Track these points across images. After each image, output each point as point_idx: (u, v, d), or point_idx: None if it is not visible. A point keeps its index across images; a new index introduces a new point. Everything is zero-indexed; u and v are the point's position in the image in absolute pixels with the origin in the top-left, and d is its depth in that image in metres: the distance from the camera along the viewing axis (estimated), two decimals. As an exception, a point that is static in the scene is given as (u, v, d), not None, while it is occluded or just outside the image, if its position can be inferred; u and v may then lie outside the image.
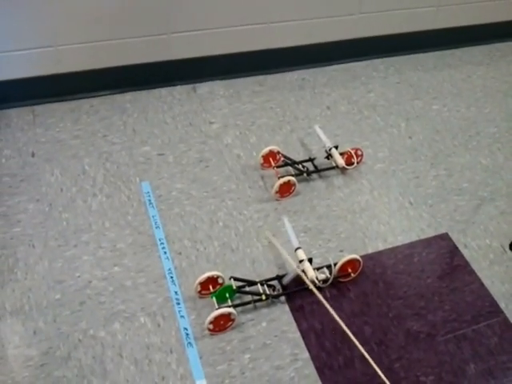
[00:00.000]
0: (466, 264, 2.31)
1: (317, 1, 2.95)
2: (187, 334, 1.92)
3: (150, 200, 2.35)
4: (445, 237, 2.41)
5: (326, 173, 2.58)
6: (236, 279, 2.05)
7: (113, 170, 2.46)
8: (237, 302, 2.01)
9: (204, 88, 2.95)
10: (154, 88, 2.90)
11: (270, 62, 3.09)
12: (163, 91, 2.90)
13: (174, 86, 2.93)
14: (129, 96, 2.84)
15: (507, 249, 2.38)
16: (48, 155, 2.48)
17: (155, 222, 2.27)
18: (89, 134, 2.61)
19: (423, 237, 2.39)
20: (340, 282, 2.17)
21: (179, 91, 2.91)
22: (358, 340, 1.94)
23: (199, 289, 2.01)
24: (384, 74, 3.21)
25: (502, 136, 2.92)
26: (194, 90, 2.93)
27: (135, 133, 2.65)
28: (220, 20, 2.82)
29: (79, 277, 2.05)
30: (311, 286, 1.88)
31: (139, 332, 1.92)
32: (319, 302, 2.09)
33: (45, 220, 2.22)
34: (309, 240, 2.30)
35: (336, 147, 2.56)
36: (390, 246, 2.33)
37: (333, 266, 2.09)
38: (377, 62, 3.29)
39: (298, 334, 1.99)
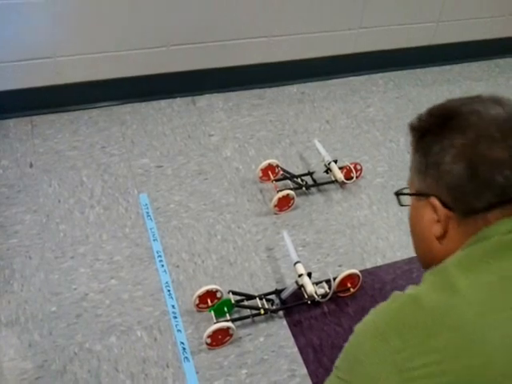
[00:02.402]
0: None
1: (317, 15, 2.96)
2: (184, 349, 1.90)
3: (147, 212, 2.33)
4: (444, 252, 2.39)
5: (325, 187, 2.57)
6: (234, 293, 2.03)
7: (111, 182, 2.44)
8: (235, 316, 1.99)
9: (203, 101, 2.95)
10: (154, 100, 2.90)
11: (270, 75, 3.10)
12: (162, 103, 2.89)
13: (173, 98, 2.93)
14: (128, 108, 2.84)
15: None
16: (46, 166, 2.47)
17: (153, 235, 2.25)
18: (87, 146, 2.60)
19: (422, 252, 2.37)
20: (339, 297, 2.15)
21: (178, 103, 2.91)
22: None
23: (197, 302, 1.99)
24: (383, 88, 3.22)
25: (500, 152, 2.92)
26: (194, 102, 2.93)
27: (134, 144, 2.64)
28: (219, 33, 2.83)
29: (76, 289, 2.03)
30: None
31: (135, 346, 1.89)
32: (317, 317, 2.08)
33: (42, 231, 2.20)
34: (307, 254, 2.28)
35: (335, 161, 2.55)
36: (389, 262, 2.32)
37: (332, 280, 2.08)
38: (376, 76, 3.30)
39: (295, 350, 1.97)
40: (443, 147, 0.93)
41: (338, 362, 0.96)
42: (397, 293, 0.93)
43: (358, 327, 0.94)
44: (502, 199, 0.89)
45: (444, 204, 0.94)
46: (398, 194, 1.14)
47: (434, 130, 0.97)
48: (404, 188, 1.11)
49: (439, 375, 0.78)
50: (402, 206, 1.14)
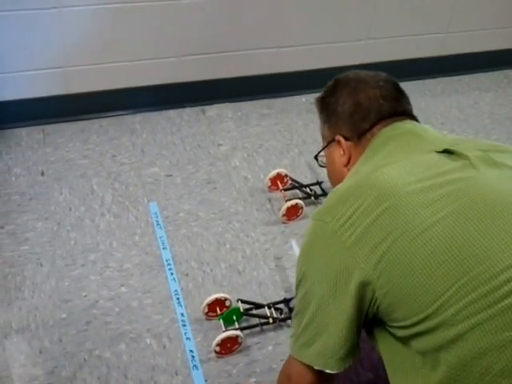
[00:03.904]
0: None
1: (326, 26, 2.99)
2: (193, 357, 1.91)
3: (157, 221, 2.35)
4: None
5: (334, 196, 2.58)
6: (243, 301, 2.04)
7: (121, 190, 2.47)
8: (243, 324, 2.00)
9: (213, 110, 2.98)
10: (163, 110, 2.93)
11: (279, 85, 3.12)
12: (172, 113, 2.92)
13: (183, 107, 2.96)
14: (138, 117, 2.87)
15: None
16: (57, 174, 2.50)
17: (162, 243, 2.27)
18: (98, 154, 2.63)
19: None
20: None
21: (188, 113, 2.94)
22: (365, 366, 1.93)
23: (206, 310, 2.00)
24: (391, 99, 3.22)
25: (509, 162, 2.92)
26: (203, 112, 2.96)
27: (144, 153, 2.67)
28: (229, 44, 2.86)
29: (86, 296, 2.04)
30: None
31: (145, 353, 1.90)
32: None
33: (53, 239, 2.22)
34: (316, 263, 2.29)
35: (344, 171, 2.56)
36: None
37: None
38: (384, 87, 3.31)
39: (304, 359, 1.97)
40: (336, 98, 1.33)
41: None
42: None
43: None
44: (380, 117, 1.26)
45: (345, 138, 1.29)
46: (316, 157, 1.49)
47: (328, 92, 1.39)
48: (319, 152, 1.46)
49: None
50: (322, 166, 1.49)
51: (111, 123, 2.80)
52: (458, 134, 3.05)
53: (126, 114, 2.86)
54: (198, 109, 2.97)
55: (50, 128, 2.73)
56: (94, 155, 2.62)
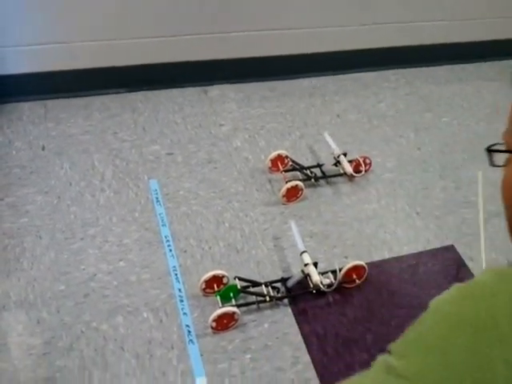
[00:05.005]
0: (472, 277, 2.30)
1: (331, 9, 2.98)
2: (189, 331, 1.92)
3: (157, 198, 2.36)
4: (451, 249, 2.40)
5: (334, 179, 2.59)
6: (241, 279, 2.05)
7: (122, 167, 2.47)
8: (240, 301, 2.01)
9: (215, 91, 2.97)
10: (166, 88, 2.92)
11: (282, 68, 3.11)
12: (174, 92, 2.92)
13: (185, 87, 2.95)
14: (140, 95, 2.86)
15: (512, 263, 2.38)
16: (58, 149, 2.50)
17: (162, 220, 2.27)
18: (99, 131, 2.63)
19: (429, 248, 2.38)
20: (344, 288, 2.16)
21: (190, 93, 2.93)
22: (360, 346, 1.95)
23: (204, 287, 2.01)
24: (395, 85, 3.22)
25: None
26: (205, 92, 2.95)
27: (145, 131, 2.66)
28: (233, 24, 2.85)
29: (84, 269, 2.05)
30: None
31: (141, 327, 1.91)
32: (322, 306, 2.10)
33: (53, 212, 2.23)
34: (314, 245, 2.30)
35: (345, 154, 2.57)
36: (396, 255, 2.33)
37: (338, 271, 2.09)
38: (388, 73, 3.30)
39: (299, 338, 1.98)
40: None
41: None
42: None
43: None
44: None
45: None
46: (490, 150, 0.88)
47: None
48: (496, 144, 0.89)
49: None
50: (494, 166, 0.89)
51: (113, 100, 2.80)
52: (460, 122, 3.05)
53: (129, 92, 2.86)
54: (200, 89, 2.96)
55: (52, 103, 2.73)
56: (96, 131, 2.62)
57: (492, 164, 0.89)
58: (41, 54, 2.63)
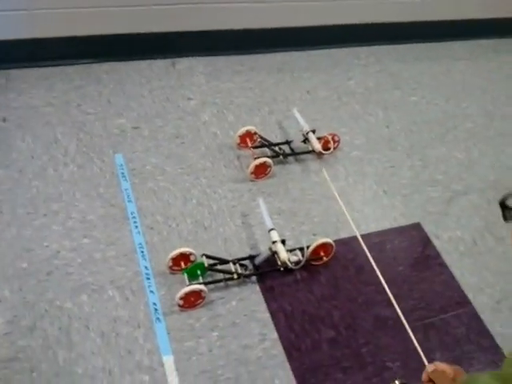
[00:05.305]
0: (437, 255, 2.34)
1: (303, -17, 2.92)
2: (156, 310, 1.90)
3: (123, 173, 2.30)
4: (417, 227, 2.42)
5: (303, 156, 2.57)
6: (208, 257, 2.02)
7: (86, 141, 2.40)
8: (208, 279, 1.99)
9: (183, 63, 2.90)
10: (133, 60, 2.84)
11: (252, 42, 3.05)
12: (142, 64, 2.84)
13: (153, 59, 2.87)
14: (106, 66, 2.77)
15: (478, 241, 2.41)
16: (20, 121, 2.41)
17: (127, 196, 2.22)
18: (63, 103, 2.54)
19: (396, 225, 2.40)
20: (312, 265, 2.16)
21: (158, 65, 2.86)
22: (327, 323, 1.95)
23: (171, 264, 1.98)
24: (365, 62, 3.21)
25: (478, 132, 2.95)
26: (173, 65, 2.88)
27: (110, 104, 2.59)
28: (204, -5, 2.78)
29: (47, 246, 2.00)
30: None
31: (107, 305, 1.88)
32: (290, 284, 2.10)
33: (14, 187, 2.15)
34: (282, 222, 2.29)
35: (313, 131, 2.55)
36: (363, 233, 2.33)
37: (305, 248, 2.09)
38: (358, 50, 3.28)
39: (267, 315, 1.98)
40: None
41: None
42: None
43: None
44: None
45: None
46: (503, 205, 0.80)
47: None
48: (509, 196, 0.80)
49: None
50: (508, 221, 0.82)
51: (77, 71, 2.71)
52: (428, 100, 3.06)
53: (94, 63, 2.76)
54: (168, 61, 2.89)
55: (13, 73, 2.62)
56: (59, 103, 2.53)
57: (505, 219, 0.83)
58: (2, 22, 2.51)
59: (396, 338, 2.01)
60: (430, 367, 1.06)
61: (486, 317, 2.15)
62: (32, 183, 2.18)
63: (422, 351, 1.99)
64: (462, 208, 2.54)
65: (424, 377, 1.05)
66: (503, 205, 0.80)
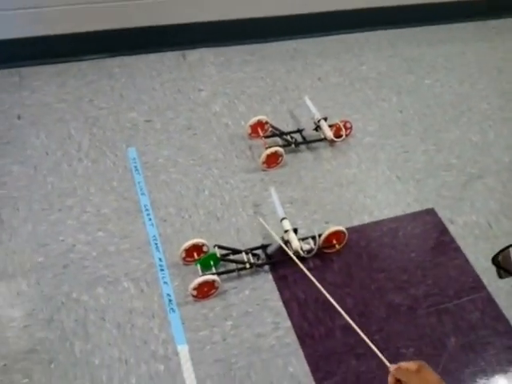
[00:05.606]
0: (452, 239, 2.32)
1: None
2: (170, 300, 1.93)
3: (135, 166, 2.33)
4: (431, 212, 2.41)
5: (314, 144, 2.57)
6: (221, 247, 2.05)
7: (99, 135, 2.43)
8: (221, 269, 2.01)
9: (194, 55, 2.91)
10: (144, 53, 2.86)
11: (263, 30, 3.05)
12: (152, 57, 2.85)
13: (163, 52, 2.89)
14: (117, 61, 2.80)
15: (493, 225, 2.39)
16: (34, 118, 2.45)
17: (141, 189, 2.25)
18: (75, 98, 2.57)
19: (409, 211, 2.39)
20: (324, 253, 2.17)
21: (169, 57, 2.87)
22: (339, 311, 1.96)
23: (184, 255, 2.01)
24: (377, 46, 3.18)
25: (493, 113, 2.91)
26: (184, 56, 2.89)
27: (123, 98, 2.61)
28: (212, -14, 2.78)
29: (63, 241, 2.04)
30: (293, 257, 1.88)
31: (122, 297, 1.92)
32: (303, 272, 2.10)
33: (29, 183, 2.20)
34: (294, 211, 2.29)
35: (325, 119, 2.54)
36: (376, 220, 2.33)
37: (317, 236, 2.09)
38: (371, 34, 3.25)
39: (280, 303, 2.00)
40: None
41: None
42: None
43: None
44: None
45: None
46: (497, 264, 0.79)
47: None
48: (507, 248, 0.79)
49: None
50: (502, 278, 0.82)
51: (89, 67, 2.74)
52: (442, 83, 3.03)
53: (105, 58, 2.79)
54: (178, 53, 2.90)
55: (26, 71, 2.66)
56: (72, 99, 2.56)
57: (501, 277, 0.84)
58: (13, 20, 2.55)
59: (409, 325, 2.02)
60: (392, 367, 1.09)
61: (502, 301, 2.13)
62: (47, 179, 2.22)
63: (436, 336, 2.00)
64: (476, 192, 2.51)
65: (390, 379, 1.07)
66: (496, 263, 0.82)
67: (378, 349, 1.96)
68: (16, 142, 2.34)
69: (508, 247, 0.80)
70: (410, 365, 1.07)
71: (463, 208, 2.44)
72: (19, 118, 2.44)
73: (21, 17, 2.54)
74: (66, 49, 2.73)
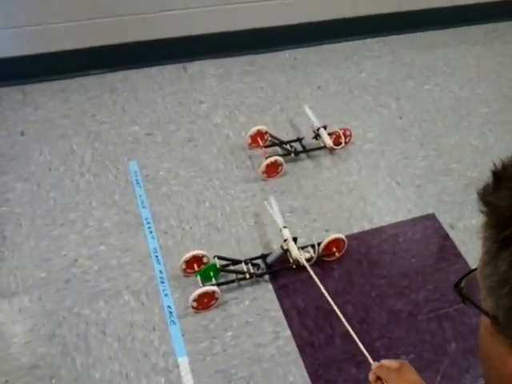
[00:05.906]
0: (452, 244, 2.32)
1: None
2: (170, 312, 1.95)
3: (137, 179, 2.36)
4: (431, 217, 2.41)
5: (314, 153, 2.58)
6: (220, 258, 2.07)
7: (101, 150, 2.47)
8: (221, 280, 2.03)
9: (194, 67, 2.94)
10: (145, 67, 2.89)
11: (262, 41, 3.08)
12: (153, 70, 2.89)
13: (164, 65, 2.93)
14: (119, 75, 2.84)
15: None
16: (37, 134, 2.49)
17: (142, 202, 2.28)
18: (78, 114, 2.62)
19: (409, 217, 2.40)
20: (324, 261, 2.18)
21: (169, 70, 2.91)
22: (340, 318, 1.97)
23: (184, 267, 2.03)
24: (378, 53, 3.19)
25: (493, 117, 2.91)
26: (185, 69, 2.93)
27: (124, 112, 2.65)
28: (211, -2, 2.81)
29: (65, 255, 2.07)
30: (302, 260, 1.90)
31: (123, 310, 1.94)
32: (303, 280, 2.12)
33: (32, 199, 2.24)
34: (295, 220, 2.31)
35: (324, 127, 2.56)
36: (376, 226, 2.34)
37: (316, 245, 2.11)
38: (371, 41, 3.26)
39: (280, 313, 2.02)
40: None
41: None
42: None
43: None
44: None
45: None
46: (459, 292, 0.71)
47: None
48: (470, 272, 0.71)
49: None
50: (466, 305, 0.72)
51: (92, 82, 2.78)
52: (442, 88, 3.03)
53: (107, 72, 2.83)
54: (179, 66, 2.93)
55: (29, 88, 2.71)
56: (74, 114, 2.61)
57: (464, 303, 0.72)
58: (17, 38, 2.60)
59: (410, 331, 2.02)
60: (374, 365, 1.09)
61: (503, 306, 2.13)
62: (49, 195, 2.26)
63: (437, 342, 2.00)
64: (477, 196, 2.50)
65: (371, 377, 1.07)
66: (458, 290, 0.71)
67: (379, 356, 1.97)
68: (19, 159, 2.38)
69: (472, 271, 0.68)
70: (392, 363, 1.07)
71: (464, 213, 2.44)
72: (22, 134, 2.49)
73: (24, 34, 2.59)
74: (70, 65, 2.78)
